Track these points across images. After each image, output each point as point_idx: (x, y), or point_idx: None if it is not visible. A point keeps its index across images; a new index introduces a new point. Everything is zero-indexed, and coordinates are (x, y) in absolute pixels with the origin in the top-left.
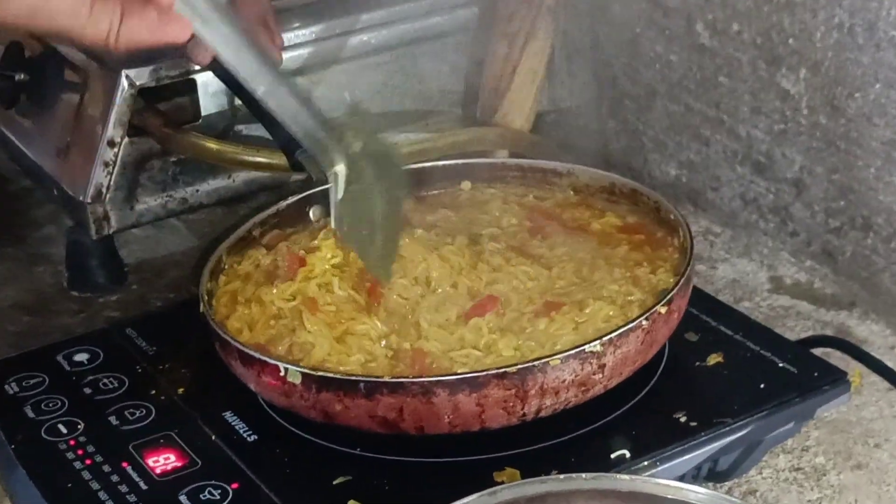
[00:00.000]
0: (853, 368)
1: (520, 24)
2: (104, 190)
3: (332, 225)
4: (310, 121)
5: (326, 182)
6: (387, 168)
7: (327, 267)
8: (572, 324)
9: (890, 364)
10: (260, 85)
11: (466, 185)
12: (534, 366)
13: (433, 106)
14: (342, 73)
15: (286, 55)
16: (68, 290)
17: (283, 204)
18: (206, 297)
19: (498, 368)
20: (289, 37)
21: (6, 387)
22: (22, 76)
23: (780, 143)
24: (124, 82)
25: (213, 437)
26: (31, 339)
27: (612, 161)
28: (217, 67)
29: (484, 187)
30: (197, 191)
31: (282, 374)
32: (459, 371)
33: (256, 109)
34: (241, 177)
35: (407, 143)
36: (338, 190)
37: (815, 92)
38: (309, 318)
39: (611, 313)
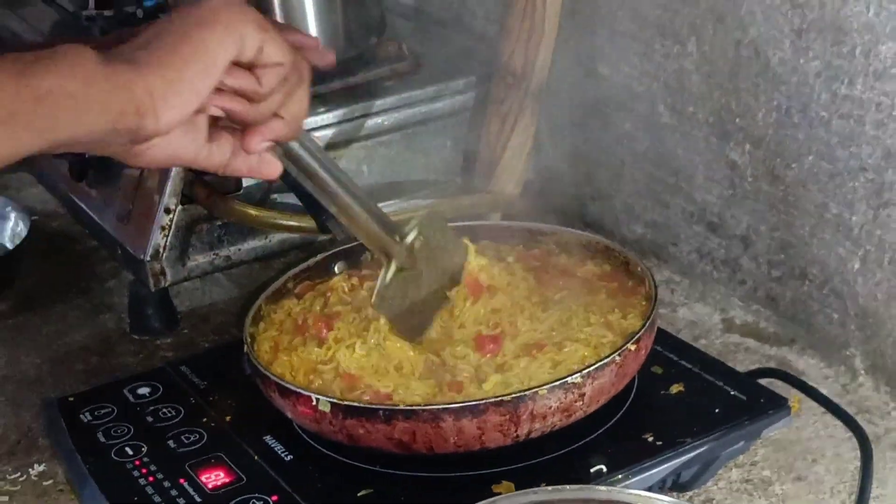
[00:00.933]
0: (793, 396)
1: (510, 106)
2: (161, 250)
3: (373, 302)
4: (373, 227)
5: (349, 241)
6: (443, 258)
7: (352, 329)
8: (551, 363)
9: (824, 391)
10: (332, 206)
11: (466, 240)
12: (525, 395)
13: (437, 176)
14: (361, 149)
15: (318, 136)
16: (129, 334)
17: (312, 261)
18: (249, 340)
19: (496, 397)
20: (316, 119)
21: (81, 416)
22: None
23: (730, 206)
24: None
25: (256, 458)
26: (98, 376)
27: (588, 221)
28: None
29: (482, 241)
30: (239, 249)
31: (314, 403)
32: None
33: (289, 182)
34: (276, 237)
35: (414, 208)
36: (386, 276)
37: (759, 163)
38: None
39: (585, 354)
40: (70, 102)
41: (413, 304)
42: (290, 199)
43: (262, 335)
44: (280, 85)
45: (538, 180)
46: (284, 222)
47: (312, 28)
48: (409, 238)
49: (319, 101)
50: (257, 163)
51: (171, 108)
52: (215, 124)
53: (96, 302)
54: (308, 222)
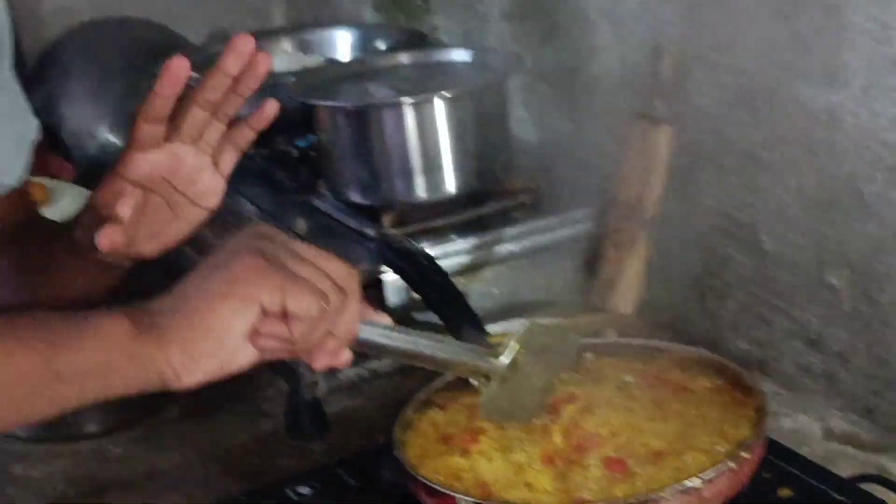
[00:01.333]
0: (891, 499)
1: (625, 234)
2: None
3: (481, 414)
4: (465, 360)
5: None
6: (550, 356)
7: (495, 445)
8: (672, 469)
9: None
10: (416, 362)
11: (590, 355)
12: (651, 498)
13: (558, 297)
14: (491, 272)
15: (453, 261)
16: (286, 438)
17: (447, 379)
18: (398, 445)
19: (625, 500)
20: (451, 247)
21: None
22: None
23: (829, 325)
24: None
25: None
26: (260, 476)
27: (696, 338)
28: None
29: (603, 358)
30: (383, 362)
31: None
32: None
33: (430, 303)
34: None
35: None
36: (489, 393)
37: (855, 286)
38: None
39: (704, 460)
40: (94, 377)
41: (522, 396)
42: (431, 316)
43: (409, 441)
44: (318, 322)
45: (651, 300)
46: None
47: (448, 165)
48: (508, 357)
49: (453, 230)
50: (327, 358)
51: (191, 374)
52: None
53: (255, 409)
54: None
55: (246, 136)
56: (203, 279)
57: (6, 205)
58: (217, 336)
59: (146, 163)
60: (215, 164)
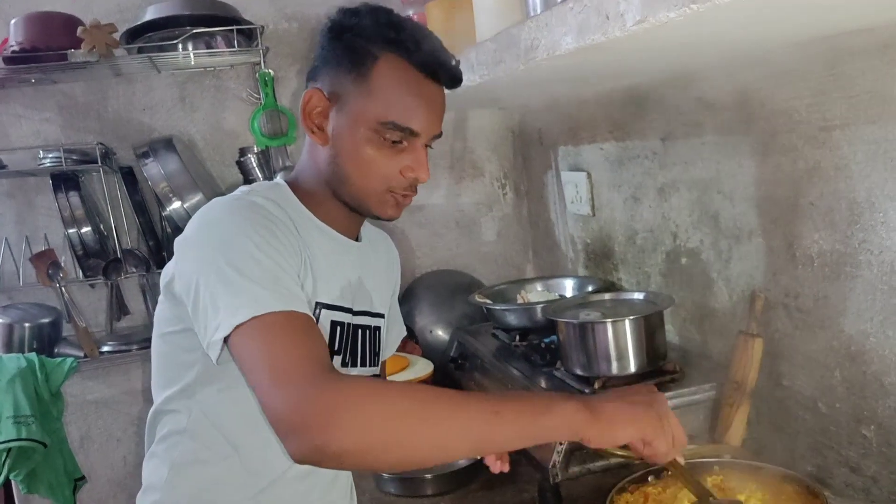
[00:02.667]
0: None
1: (734, 399)
2: (556, 462)
3: None
4: (694, 486)
5: (656, 465)
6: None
7: None
8: None
9: None
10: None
11: (717, 468)
12: None
13: (697, 434)
14: None
15: None
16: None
17: (638, 473)
18: None
19: None
20: None
21: None
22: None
23: (863, 459)
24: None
25: None
26: None
27: (780, 462)
28: None
29: (725, 469)
30: (594, 465)
31: None
32: None
33: None
34: (614, 461)
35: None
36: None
37: (880, 436)
38: None
39: None
40: (554, 433)
41: None
42: None
43: None
44: (655, 454)
45: (750, 438)
46: (620, 453)
47: (631, 356)
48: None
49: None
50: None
51: (601, 442)
52: None
53: (520, 487)
54: (629, 452)
55: None
56: (628, 403)
57: (389, 366)
58: (618, 432)
59: None
60: None
